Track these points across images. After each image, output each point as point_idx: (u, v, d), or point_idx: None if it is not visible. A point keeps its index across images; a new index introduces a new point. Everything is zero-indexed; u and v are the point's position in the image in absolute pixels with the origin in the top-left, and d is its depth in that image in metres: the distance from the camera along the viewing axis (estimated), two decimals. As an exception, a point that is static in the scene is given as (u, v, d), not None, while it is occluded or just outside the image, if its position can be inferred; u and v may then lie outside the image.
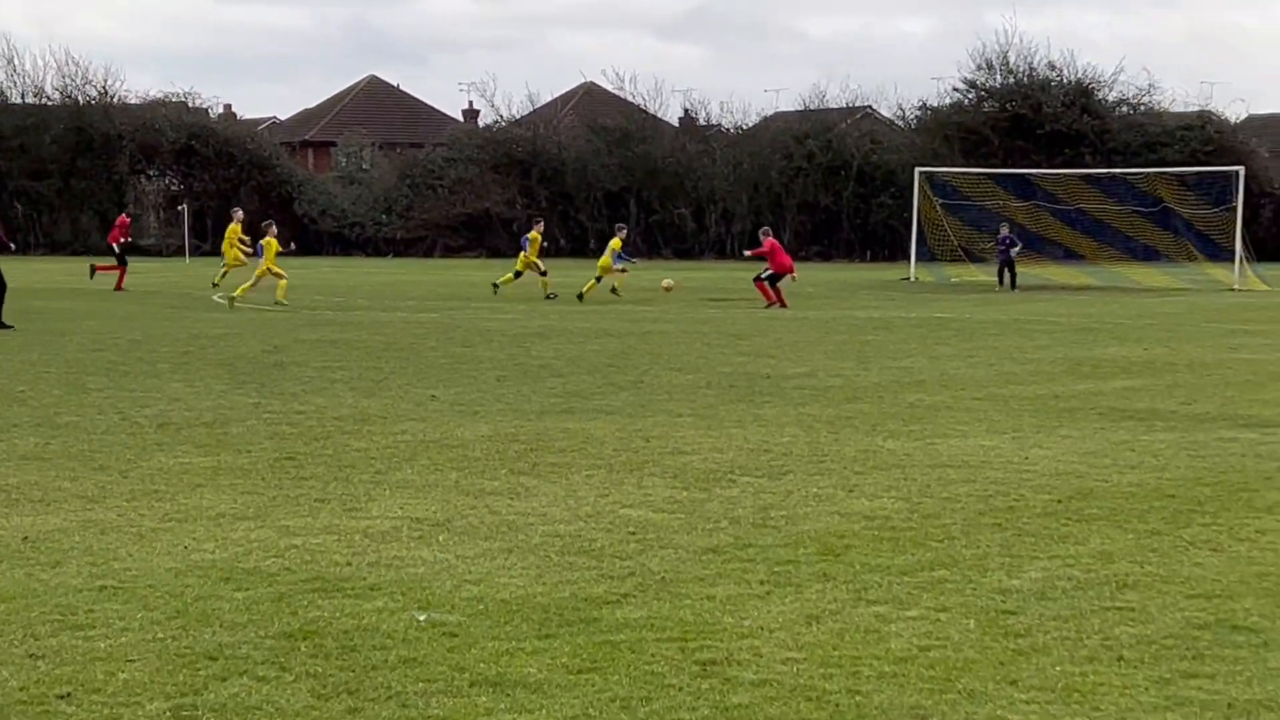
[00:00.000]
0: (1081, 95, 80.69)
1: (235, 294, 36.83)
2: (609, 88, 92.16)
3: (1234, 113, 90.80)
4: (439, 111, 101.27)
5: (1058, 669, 7.79)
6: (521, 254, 42.66)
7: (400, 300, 39.89)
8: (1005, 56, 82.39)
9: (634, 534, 10.87)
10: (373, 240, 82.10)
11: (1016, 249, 49.54)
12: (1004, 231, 50.23)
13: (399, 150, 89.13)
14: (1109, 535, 10.92)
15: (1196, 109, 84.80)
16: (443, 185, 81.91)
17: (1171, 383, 21.07)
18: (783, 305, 38.32)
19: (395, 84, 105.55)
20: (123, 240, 45.72)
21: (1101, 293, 47.33)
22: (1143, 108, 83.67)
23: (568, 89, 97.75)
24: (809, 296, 40.78)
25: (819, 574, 9.72)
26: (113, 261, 45.16)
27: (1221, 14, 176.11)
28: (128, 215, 49.09)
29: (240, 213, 48.03)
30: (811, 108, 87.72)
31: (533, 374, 21.60)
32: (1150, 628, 8.53)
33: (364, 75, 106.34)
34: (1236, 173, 54.61)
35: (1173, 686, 7.53)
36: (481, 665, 7.80)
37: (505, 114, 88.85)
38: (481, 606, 8.90)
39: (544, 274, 41.97)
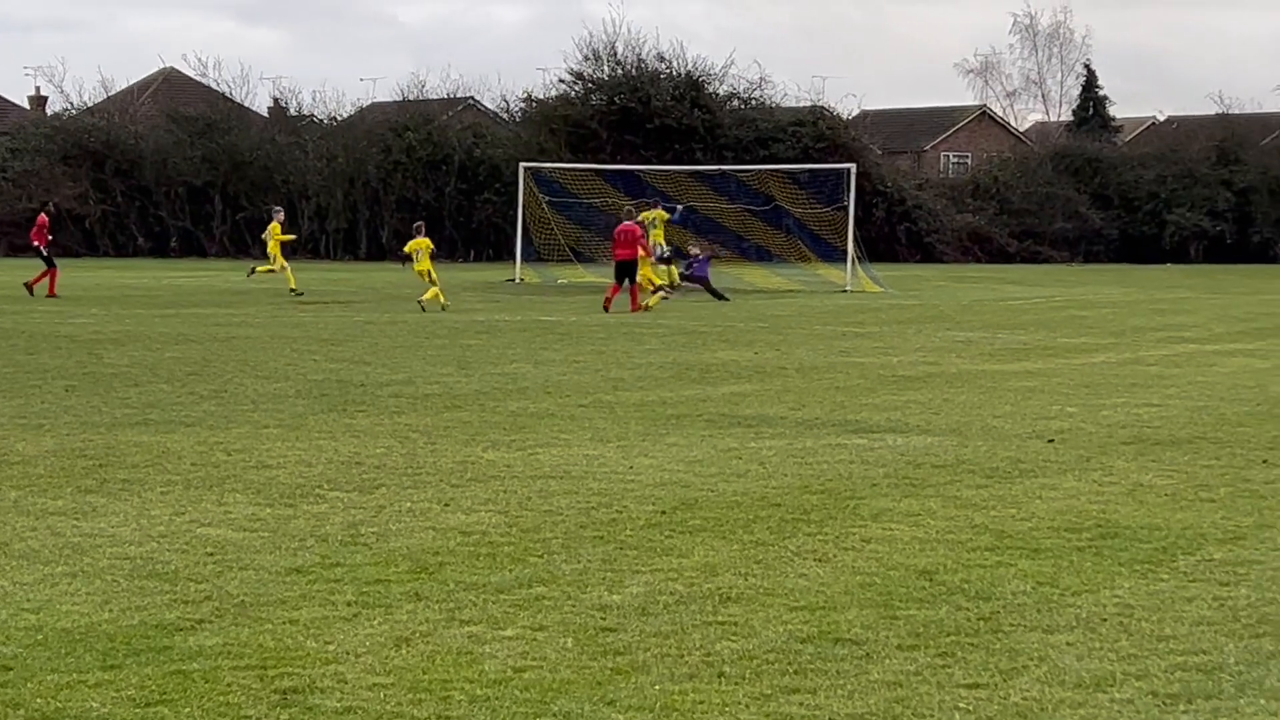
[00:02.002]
0: (692, 88, 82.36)
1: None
2: (191, 74, 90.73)
3: (846, 108, 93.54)
4: (1, 98, 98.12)
5: (657, 687, 7.93)
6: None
7: (-42, 303, 38.54)
8: (613, 47, 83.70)
9: (212, 555, 10.71)
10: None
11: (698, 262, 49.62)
12: (694, 250, 49.53)
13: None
14: (713, 547, 11.16)
15: (809, 104, 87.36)
16: (5, 178, 79.35)
17: (781, 388, 21.65)
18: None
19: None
20: (42, 242, 43.64)
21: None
22: (754, 102, 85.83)
23: (146, 75, 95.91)
24: (407, 299, 40.68)
25: (410, 593, 9.72)
26: (41, 269, 43.06)
27: (826, 6, 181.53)
28: (48, 214, 46.29)
29: (281, 212, 48.42)
30: (411, 98, 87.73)
31: (105, 383, 21.12)
32: (752, 642, 8.74)
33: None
34: (848, 170, 56.30)
35: (773, 702, 7.73)
36: (38, 701, 7.60)
37: (77, 101, 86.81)
38: (40, 637, 8.67)
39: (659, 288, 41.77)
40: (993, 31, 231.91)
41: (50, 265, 43.05)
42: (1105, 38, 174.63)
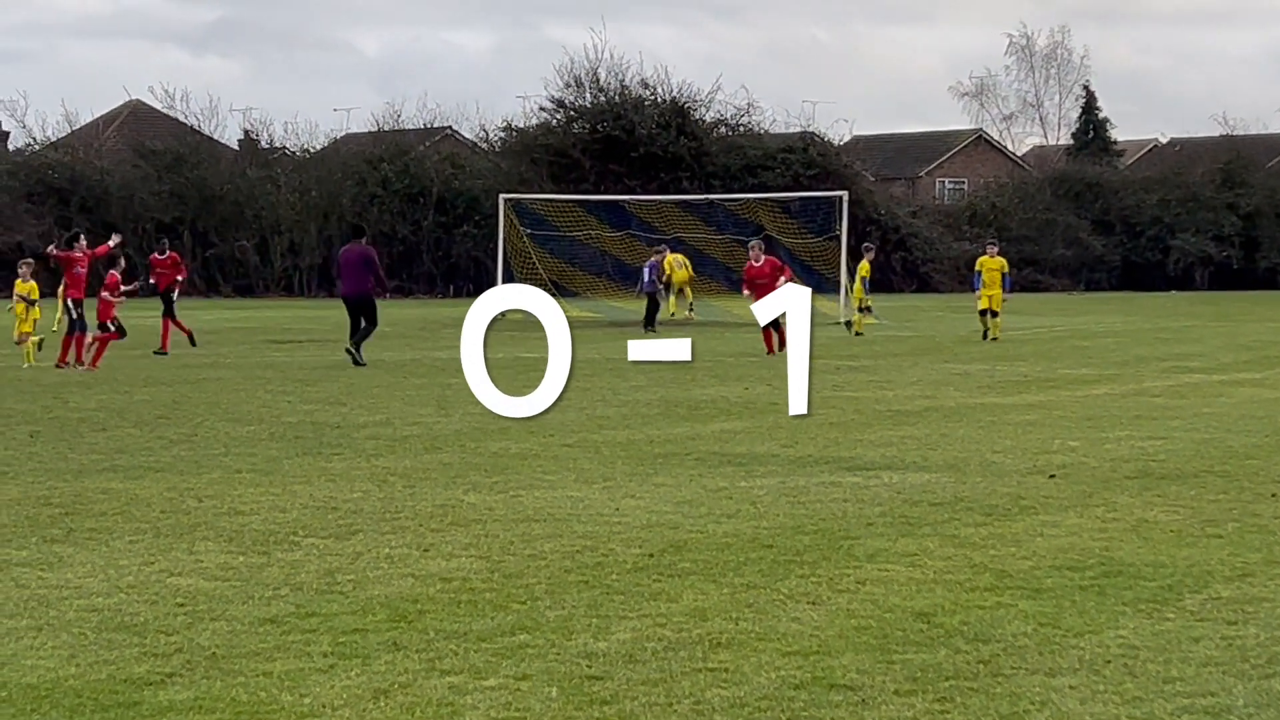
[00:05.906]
0: (677, 115, 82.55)
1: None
2: (158, 106, 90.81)
3: (837, 134, 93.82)
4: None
5: (645, 737, 7.94)
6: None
7: (-82, 347, 38.47)
8: (595, 73, 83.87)
9: (183, 605, 10.71)
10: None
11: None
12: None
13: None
14: (703, 590, 11.17)
15: (799, 130, 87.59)
16: (-34, 217, 79.34)
17: (773, 424, 21.64)
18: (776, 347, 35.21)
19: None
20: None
21: (701, 328, 48.34)
22: (742, 129, 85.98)
23: (112, 108, 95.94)
24: (385, 336, 40.68)
25: (389, 643, 9.72)
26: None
27: (793, 29, 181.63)
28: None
29: (872, 251, 49.29)
30: (386, 128, 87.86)
31: (71, 428, 21.11)
32: (744, 689, 8.75)
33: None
34: (840, 198, 56.37)
35: (766, 751, 7.74)
36: (3, 760, 7.60)
37: (40, 136, 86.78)
38: (4, 693, 8.67)
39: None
40: (980, 52, 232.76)
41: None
42: (1101, 58, 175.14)
